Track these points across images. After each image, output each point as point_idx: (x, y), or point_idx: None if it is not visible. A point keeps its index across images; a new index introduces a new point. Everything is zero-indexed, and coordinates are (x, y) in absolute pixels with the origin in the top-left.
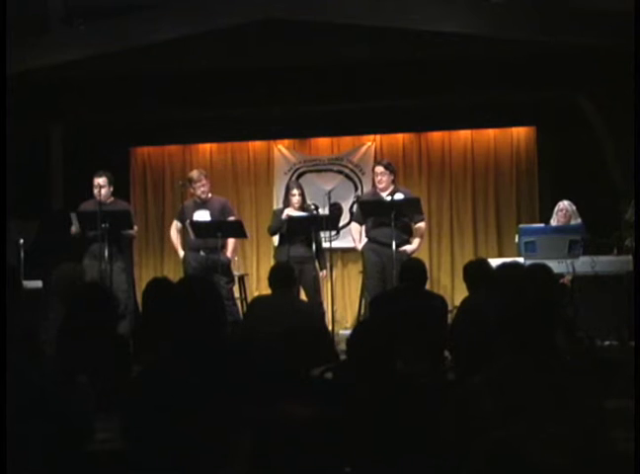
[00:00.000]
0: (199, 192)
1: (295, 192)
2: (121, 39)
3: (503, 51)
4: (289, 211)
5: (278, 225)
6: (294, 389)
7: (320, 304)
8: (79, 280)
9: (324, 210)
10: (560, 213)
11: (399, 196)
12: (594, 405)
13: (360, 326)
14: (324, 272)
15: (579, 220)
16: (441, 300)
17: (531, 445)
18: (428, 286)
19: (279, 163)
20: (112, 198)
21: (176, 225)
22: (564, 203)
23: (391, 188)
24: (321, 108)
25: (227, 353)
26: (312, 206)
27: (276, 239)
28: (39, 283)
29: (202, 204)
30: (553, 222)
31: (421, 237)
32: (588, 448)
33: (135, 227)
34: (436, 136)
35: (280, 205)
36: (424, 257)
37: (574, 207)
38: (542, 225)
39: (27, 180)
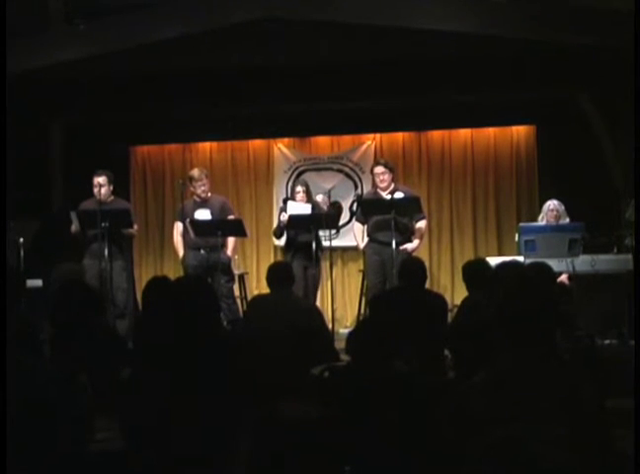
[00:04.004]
0: (199, 190)
1: (299, 189)
2: (122, 38)
3: (503, 50)
4: (291, 204)
5: (281, 229)
6: (294, 388)
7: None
8: (77, 280)
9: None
10: (550, 213)
11: (399, 194)
12: (593, 404)
13: (359, 325)
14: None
15: (567, 220)
16: (441, 299)
17: (531, 445)
18: (428, 285)
19: (278, 162)
20: (112, 197)
21: (177, 227)
22: (554, 203)
23: (391, 187)
24: (321, 106)
25: (226, 352)
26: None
27: (276, 240)
28: (39, 283)
29: (203, 203)
30: (542, 221)
31: (421, 236)
32: (587, 448)
33: (135, 226)
34: (436, 135)
35: (281, 204)
36: (424, 256)
37: (563, 207)
38: (542, 224)
39: (27, 180)
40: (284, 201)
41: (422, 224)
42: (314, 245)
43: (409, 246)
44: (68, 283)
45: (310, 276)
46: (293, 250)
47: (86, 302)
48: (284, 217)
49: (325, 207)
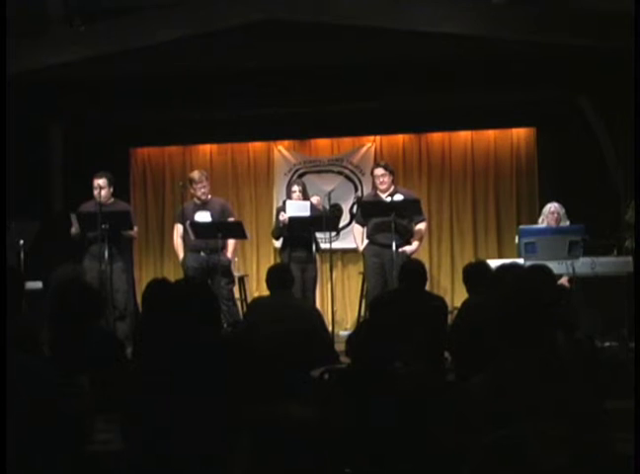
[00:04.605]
0: (199, 192)
1: (296, 188)
2: (121, 39)
3: (503, 52)
4: (289, 203)
5: (279, 231)
6: (294, 390)
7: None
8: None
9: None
10: (551, 216)
11: (399, 196)
12: (593, 405)
13: (359, 327)
14: None
15: (567, 223)
16: (441, 301)
17: (531, 446)
18: (428, 287)
19: (279, 164)
20: (112, 199)
21: (178, 229)
22: (555, 206)
23: (391, 189)
24: (321, 108)
25: (226, 353)
26: (333, 207)
27: (276, 242)
28: (39, 284)
29: (203, 206)
30: (542, 224)
31: (420, 238)
32: (588, 449)
33: (135, 228)
34: (436, 137)
35: (280, 203)
36: (424, 258)
37: (563, 210)
38: (543, 226)
39: (27, 180)
40: (284, 202)
41: (421, 226)
42: (314, 246)
43: (408, 248)
44: (68, 284)
45: (308, 277)
46: (290, 250)
47: (86, 303)
48: (283, 217)
49: (320, 208)
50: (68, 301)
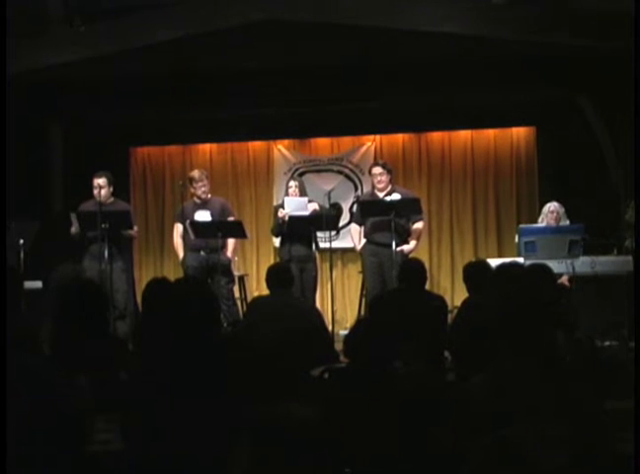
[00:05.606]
0: (199, 192)
1: (292, 183)
2: (121, 39)
3: (503, 52)
4: (287, 200)
5: (279, 227)
6: (294, 389)
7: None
8: (76, 281)
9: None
10: (551, 215)
11: (396, 195)
12: (593, 405)
13: (356, 326)
14: None
15: (567, 222)
16: (441, 301)
17: (531, 446)
18: (428, 287)
19: (278, 163)
20: (112, 199)
21: (178, 229)
22: (555, 205)
23: (389, 188)
24: (321, 108)
25: (226, 353)
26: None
27: (276, 239)
28: (38, 284)
29: (203, 205)
30: (542, 223)
31: (418, 237)
32: (588, 449)
33: (135, 227)
34: (435, 136)
35: (280, 201)
36: (423, 257)
37: (563, 209)
38: (542, 225)
39: (27, 180)
40: (283, 200)
41: (419, 225)
42: (313, 245)
43: (406, 247)
44: (68, 284)
45: (308, 276)
46: (289, 248)
47: (86, 303)
48: (282, 214)
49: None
50: (68, 301)
